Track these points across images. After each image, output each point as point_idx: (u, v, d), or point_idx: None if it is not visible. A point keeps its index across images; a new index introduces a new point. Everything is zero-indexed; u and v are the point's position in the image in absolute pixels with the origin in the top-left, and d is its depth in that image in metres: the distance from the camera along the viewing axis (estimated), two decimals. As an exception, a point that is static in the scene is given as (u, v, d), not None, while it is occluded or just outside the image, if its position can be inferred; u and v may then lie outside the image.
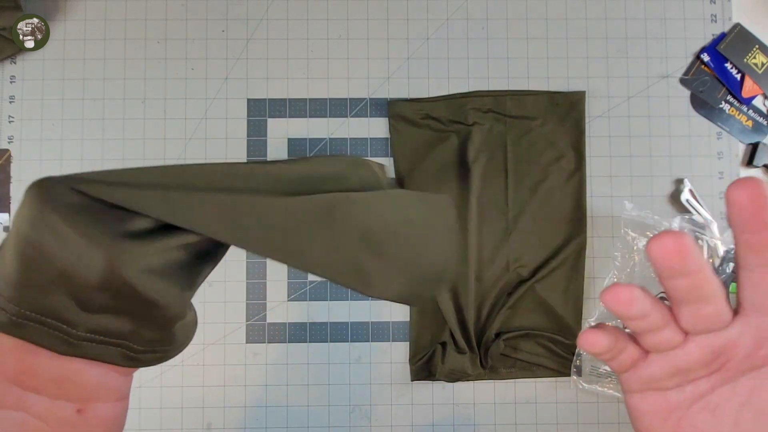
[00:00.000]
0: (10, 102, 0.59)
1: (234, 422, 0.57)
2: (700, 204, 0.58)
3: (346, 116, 0.60)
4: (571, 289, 0.58)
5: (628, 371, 0.24)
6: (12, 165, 0.58)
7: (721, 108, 0.60)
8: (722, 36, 0.60)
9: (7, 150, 0.58)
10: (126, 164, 0.59)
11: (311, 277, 0.58)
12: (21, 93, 0.59)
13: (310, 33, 0.60)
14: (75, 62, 0.59)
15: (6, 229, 0.58)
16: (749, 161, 0.60)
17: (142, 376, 0.56)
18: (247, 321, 0.58)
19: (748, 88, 0.60)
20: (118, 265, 0.22)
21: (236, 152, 0.59)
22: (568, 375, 0.57)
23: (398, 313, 0.58)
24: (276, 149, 0.59)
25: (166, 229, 0.25)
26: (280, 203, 0.24)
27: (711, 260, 0.57)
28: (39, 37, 0.57)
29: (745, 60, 0.60)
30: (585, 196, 0.58)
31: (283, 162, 0.25)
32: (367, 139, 0.59)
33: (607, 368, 0.57)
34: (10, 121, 0.59)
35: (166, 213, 0.24)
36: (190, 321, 0.26)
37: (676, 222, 0.57)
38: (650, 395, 0.23)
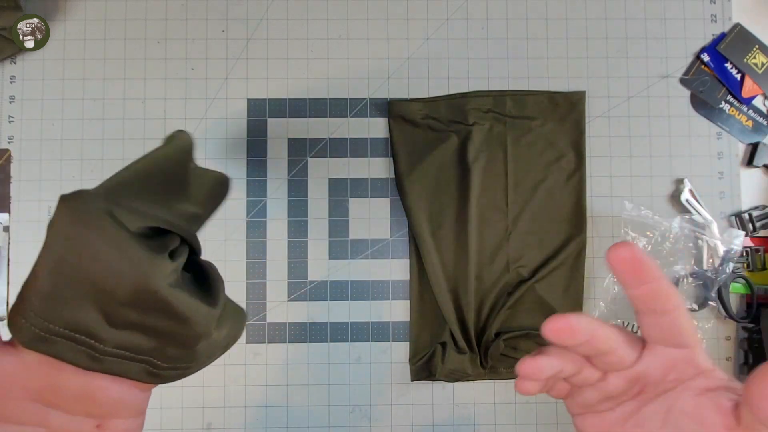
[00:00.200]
0: (10, 102, 0.59)
1: (234, 422, 0.57)
2: (700, 204, 0.58)
3: (346, 116, 0.60)
4: (571, 289, 0.58)
5: (567, 398, 0.28)
6: (12, 165, 0.58)
7: (721, 108, 0.60)
8: (722, 36, 0.60)
9: (7, 150, 0.58)
10: (125, 164, 0.58)
11: (311, 277, 0.58)
12: (21, 93, 0.59)
13: (310, 33, 0.60)
14: (75, 62, 0.59)
15: (6, 229, 0.58)
16: (749, 161, 0.60)
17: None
18: (247, 321, 0.58)
19: (748, 88, 0.60)
20: (150, 279, 0.22)
21: (236, 152, 0.59)
22: (568, 375, 0.57)
23: (398, 313, 0.58)
24: (276, 149, 0.59)
25: (192, 247, 0.26)
26: None
27: (711, 260, 0.57)
28: (39, 37, 0.57)
29: (745, 60, 0.60)
30: (585, 196, 0.58)
31: None
32: (367, 139, 0.59)
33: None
34: (10, 121, 0.59)
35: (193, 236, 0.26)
36: (217, 340, 0.26)
37: (676, 222, 0.57)
38: (590, 417, 0.27)
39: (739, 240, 0.56)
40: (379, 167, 0.59)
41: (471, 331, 0.57)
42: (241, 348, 0.57)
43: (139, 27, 0.60)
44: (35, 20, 0.57)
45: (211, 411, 0.57)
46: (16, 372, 0.22)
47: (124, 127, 0.59)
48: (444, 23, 0.60)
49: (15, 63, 0.59)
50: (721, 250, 0.57)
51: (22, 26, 0.56)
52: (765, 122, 0.60)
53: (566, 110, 0.59)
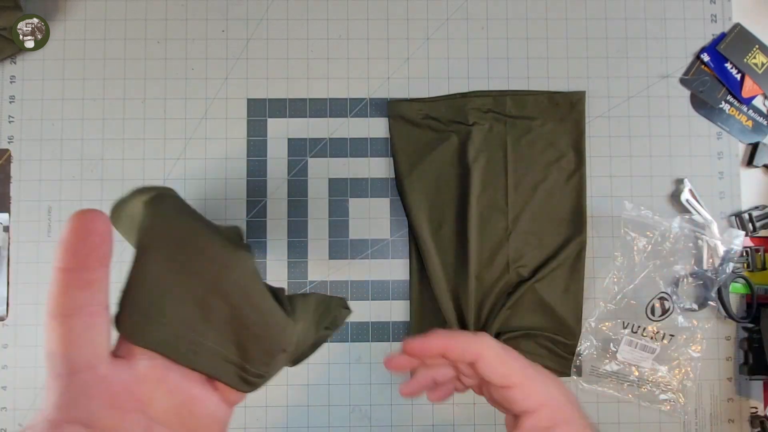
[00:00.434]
0: (10, 102, 0.59)
1: (234, 422, 0.57)
2: (700, 204, 0.58)
3: (346, 116, 0.60)
4: (571, 289, 0.58)
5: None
6: (12, 165, 0.58)
7: (721, 108, 0.60)
8: (722, 36, 0.60)
9: (7, 150, 0.58)
10: (126, 164, 0.59)
11: (311, 277, 0.58)
12: (21, 93, 0.59)
13: (310, 33, 0.60)
14: (75, 62, 0.59)
15: (6, 229, 0.58)
16: (749, 161, 0.60)
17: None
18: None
19: (748, 88, 0.60)
20: (244, 270, 0.24)
21: (236, 152, 0.59)
22: (568, 375, 0.57)
23: (398, 313, 0.58)
24: (276, 149, 0.59)
25: None
26: None
27: (711, 260, 0.57)
28: (39, 37, 0.57)
29: (745, 60, 0.60)
30: (585, 196, 0.58)
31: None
32: (367, 139, 0.59)
33: (607, 368, 0.58)
34: (10, 121, 0.59)
35: None
36: (287, 356, 0.27)
37: (676, 222, 0.57)
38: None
39: (739, 240, 0.56)
40: (379, 167, 0.59)
41: (471, 331, 0.57)
42: (241, 348, 0.57)
43: (139, 27, 0.60)
44: (35, 20, 0.57)
45: (211, 411, 0.57)
46: (130, 383, 0.23)
47: (124, 127, 0.59)
48: (444, 23, 0.60)
49: (15, 63, 0.59)
50: (721, 250, 0.57)
51: (22, 26, 0.56)
52: (765, 122, 0.60)
53: (566, 110, 0.59)
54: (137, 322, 0.23)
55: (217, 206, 0.58)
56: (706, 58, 0.60)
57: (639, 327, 0.57)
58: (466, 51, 0.60)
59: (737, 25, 0.61)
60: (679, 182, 0.59)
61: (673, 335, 0.57)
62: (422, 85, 0.60)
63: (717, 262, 0.57)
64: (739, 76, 0.60)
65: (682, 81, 0.61)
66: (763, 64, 0.60)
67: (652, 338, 0.57)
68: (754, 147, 0.60)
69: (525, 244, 0.58)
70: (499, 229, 0.58)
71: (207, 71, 0.60)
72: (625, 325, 0.57)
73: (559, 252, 0.58)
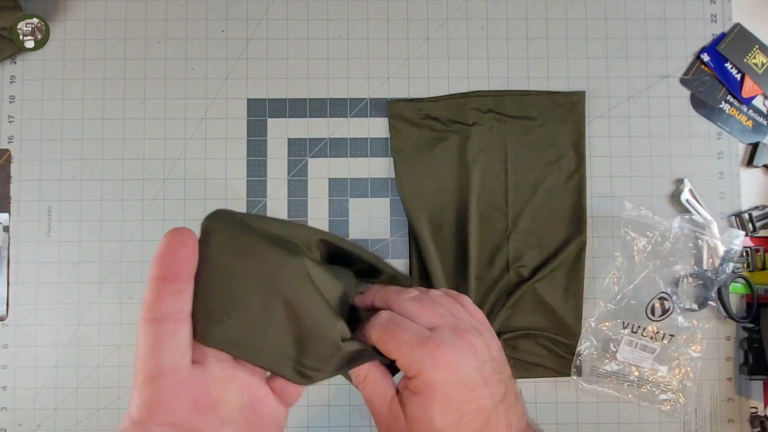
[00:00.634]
0: (10, 102, 0.59)
1: (234, 422, 0.57)
2: (700, 204, 0.58)
3: (346, 116, 0.60)
4: (571, 289, 0.58)
5: None
6: (12, 165, 0.58)
7: (721, 108, 0.60)
8: (722, 36, 0.60)
9: (7, 150, 0.58)
10: (126, 164, 0.59)
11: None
12: (21, 93, 0.59)
13: (310, 33, 0.60)
14: (75, 62, 0.59)
15: (6, 229, 0.58)
16: (749, 161, 0.60)
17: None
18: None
19: (748, 88, 0.60)
20: (291, 269, 0.26)
21: (236, 152, 0.59)
22: (568, 375, 0.57)
23: (398, 313, 0.58)
24: (276, 149, 0.59)
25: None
26: None
27: (711, 260, 0.57)
28: (39, 37, 0.57)
29: (745, 60, 0.60)
30: (585, 196, 0.58)
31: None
32: (367, 139, 0.59)
33: (608, 368, 0.58)
34: (10, 121, 0.59)
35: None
36: (343, 354, 0.29)
37: (676, 222, 0.57)
38: None
39: (739, 240, 0.56)
40: (379, 167, 0.59)
41: (471, 331, 0.57)
42: (241, 348, 0.57)
43: (139, 27, 0.60)
44: (35, 20, 0.57)
45: (211, 411, 0.57)
46: (207, 385, 0.24)
47: (124, 127, 0.59)
48: (444, 23, 0.60)
49: (15, 63, 0.59)
50: (721, 250, 0.57)
51: (22, 26, 0.56)
52: (765, 122, 0.60)
53: (566, 110, 0.59)
54: (207, 325, 0.24)
55: (217, 206, 0.58)
56: (706, 58, 0.60)
57: (639, 327, 0.57)
58: (466, 51, 0.60)
59: (737, 25, 0.61)
60: (679, 182, 0.59)
61: (673, 335, 0.57)
62: (422, 85, 0.60)
63: (717, 262, 0.57)
64: (739, 76, 0.60)
65: (682, 81, 0.61)
66: (763, 64, 0.60)
67: (652, 338, 0.57)
68: (754, 147, 0.60)
69: (525, 244, 0.58)
70: (499, 229, 0.58)
71: (207, 71, 0.60)
72: (625, 325, 0.57)
73: (559, 252, 0.58)
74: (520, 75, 0.60)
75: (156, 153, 0.59)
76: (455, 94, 0.59)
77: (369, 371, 0.31)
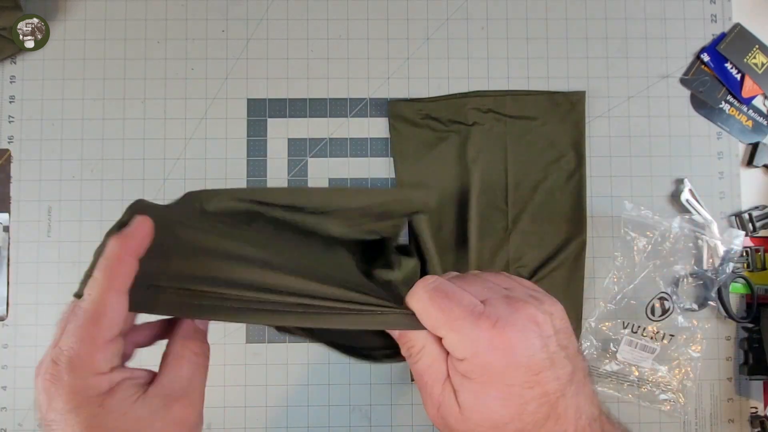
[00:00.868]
0: (10, 102, 0.59)
1: (234, 422, 0.57)
2: (700, 204, 0.58)
3: (346, 116, 0.60)
4: (571, 289, 0.58)
5: None
6: (12, 165, 0.58)
7: (721, 108, 0.60)
8: (722, 36, 0.60)
9: (7, 150, 0.58)
10: (126, 164, 0.59)
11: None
12: (21, 93, 0.59)
13: (310, 33, 0.60)
14: (75, 62, 0.59)
15: (6, 229, 0.58)
16: (749, 161, 0.60)
17: (142, 376, 0.57)
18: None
19: (748, 88, 0.60)
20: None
21: (236, 152, 0.59)
22: (568, 375, 0.57)
23: (398, 313, 0.58)
24: (276, 149, 0.59)
25: None
26: None
27: (711, 260, 0.57)
28: (39, 37, 0.57)
29: (745, 60, 0.60)
30: (585, 196, 0.58)
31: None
32: (367, 139, 0.59)
33: (607, 368, 0.58)
34: (10, 121, 0.59)
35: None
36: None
37: (676, 222, 0.57)
38: None
39: (739, 240, 0.56)
40: (379, 167, 0.59)
41: (471, 331, 0.57)
42: (241, 348, 0.57)
43: (139, 27, 0.60)
44: (35, 20, 0.57)
45: (211, 411, 0.57)
46: None
47: (124, 127, 0.59)
48: (444, 23, 0.60)
49: (15, 63, 0.59)
50: (721, 250, 0.57)
51: (22, 26, 0.56)
52: (765, 122, 0.60)
53: (566, 110, 0.59)
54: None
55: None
56: (706, 58, 0.60)
57: (639, 327, 0.57)
58: (466, 51, 0.60)
59: (737, 25, 0.61)
60: (679, 182, 0.59)
61: (673, 335, 0.57)
62: (422, 85, 0.60)
63: (717, 262, 0.57)
64: (739, 76, 0.60)
65: (682, 81, 0.61)
66: (763, 64, 0.60)
67: (652, 338, 0.57)
68: (754, 147, 0.60)
69: (525, 243, 0.58)
70: (499, 229, 0.58)
71: (207, 71, 0.60)
72: (625, 325, 0.57)
73: (559, 252, 0.58)
74: (520, 75, 0.60)
75: (156, 153, 0.59)
76: (455, 94, 0.59)
77: (426, 343, 0.27)
